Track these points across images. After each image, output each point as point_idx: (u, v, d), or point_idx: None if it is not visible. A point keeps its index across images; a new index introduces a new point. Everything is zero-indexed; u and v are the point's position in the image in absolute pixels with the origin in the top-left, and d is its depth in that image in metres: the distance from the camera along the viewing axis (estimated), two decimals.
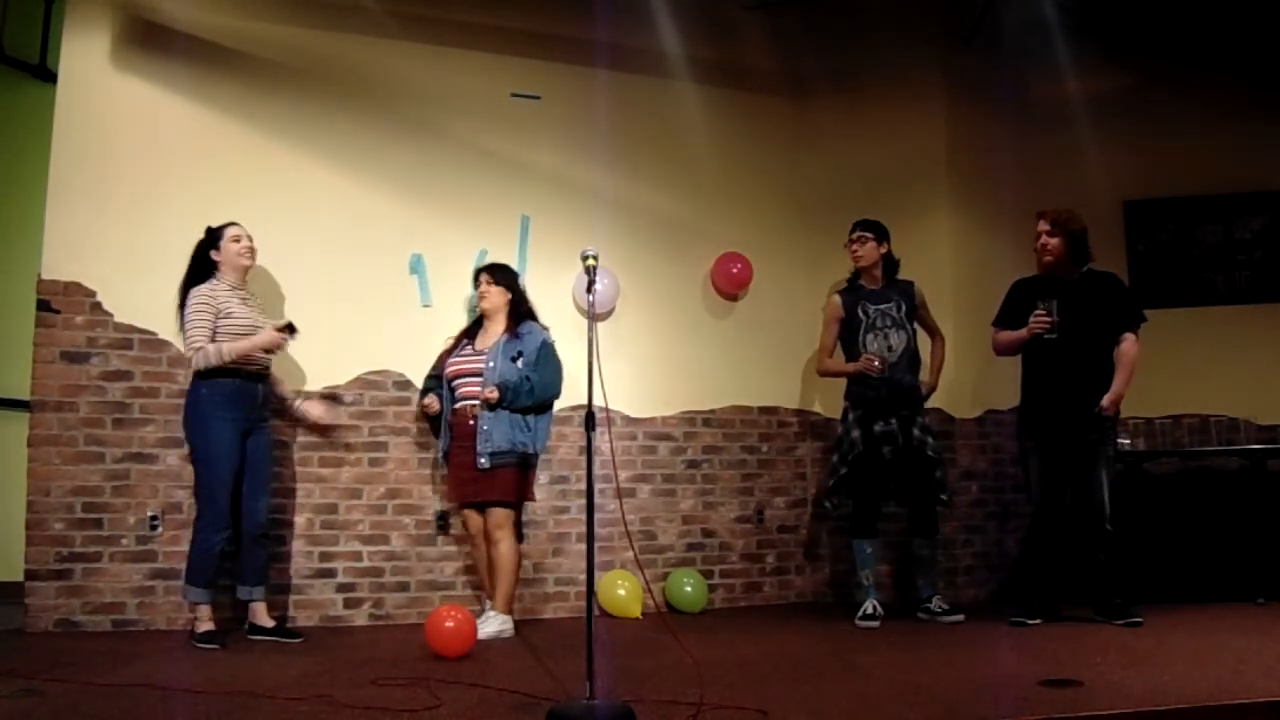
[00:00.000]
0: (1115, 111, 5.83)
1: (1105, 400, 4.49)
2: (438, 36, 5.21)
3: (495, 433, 4.44)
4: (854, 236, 4.95)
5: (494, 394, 4.44)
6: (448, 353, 4.74)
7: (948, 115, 5.76)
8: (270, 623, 4.36)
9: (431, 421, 4.80)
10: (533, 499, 4.73)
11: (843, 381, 5.02)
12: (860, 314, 4.88)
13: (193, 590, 4.18)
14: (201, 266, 4.36)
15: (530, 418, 4.52)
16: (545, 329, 4.71)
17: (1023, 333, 4.63)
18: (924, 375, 4.99)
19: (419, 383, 4.99)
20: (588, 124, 5.39)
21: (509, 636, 4.40)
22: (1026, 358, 4.74)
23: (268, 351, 4.31)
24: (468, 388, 4.56)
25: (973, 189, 5.73)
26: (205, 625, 4.18)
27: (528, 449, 4.51)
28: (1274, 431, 5.61)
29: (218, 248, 4.36)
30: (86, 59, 4.66)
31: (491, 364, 4.52)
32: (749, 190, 5.76)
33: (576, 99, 5.41)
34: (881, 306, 4.88)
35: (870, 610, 4.74)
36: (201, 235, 4.61)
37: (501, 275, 4.72)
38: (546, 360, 4.55)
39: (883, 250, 4.93)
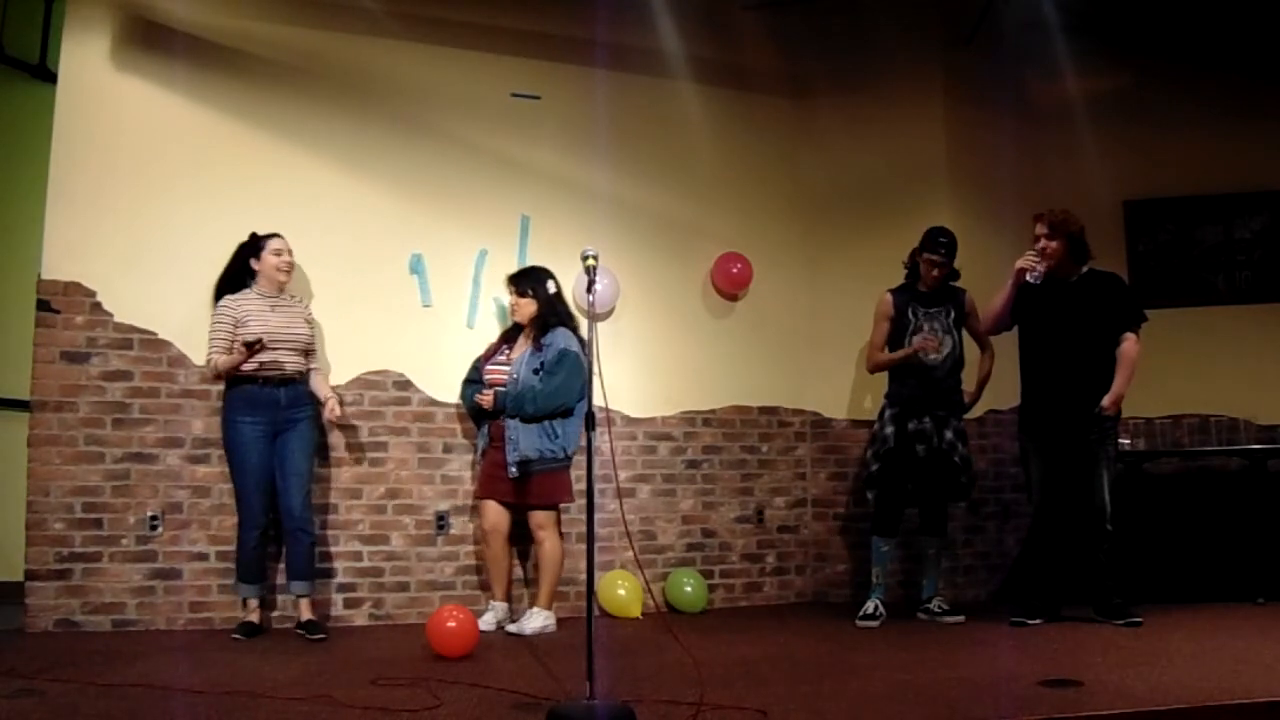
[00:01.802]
0: (1115, 111, 5.83)
1: (1106, 400, 4.48)
2: (438, 36, 5.21)
3: (522, 441, 4.49)
4: (937, 258, 4.79)
5: (487, 398, 4.54)
6: (486, 356, 4.77)
7: (948, 115, 5.75)
8: (306, 617, 4.44)
9: (477, 422, 4.80)
10: (570, 499, 4.67)
11: (847, 382, 5.02)
12: (910, 315, 4.86)
13: (238, 585, 4.42)
14: (238, 270, 4.48)
15: (557, 423, 4.53)
16: (573, 333, 4.65)
17: (1008, 287, 4.61)
18: (969, 386, 4.99)
19: (419, 383, 5.00)
20: (588, 124, 5.39)
21: (553, 631, 4.48)
22: (1026, 357, 4.74)
23: (252, 355, 4.32)
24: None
25: (973, 189, 5.73)
26: (247, 616, 4.39)
27: (556, 455, 4.53)
28: (1274, 431, 5.60)
29: (259, 256, 4.45)
30: (86, 59, 4.65)
31: (515, 375, 4.58)
32: (749, 190, 5.76)
33: (576, 99, 5.41)
34: (932, 310, 4.86)
35: (871, 610, 4.74)
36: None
37: (526, 283, 4.69)
38: (556, 369, 4.51)
39: (951, 265, 4.89)
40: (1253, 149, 5.85)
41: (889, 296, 4.95)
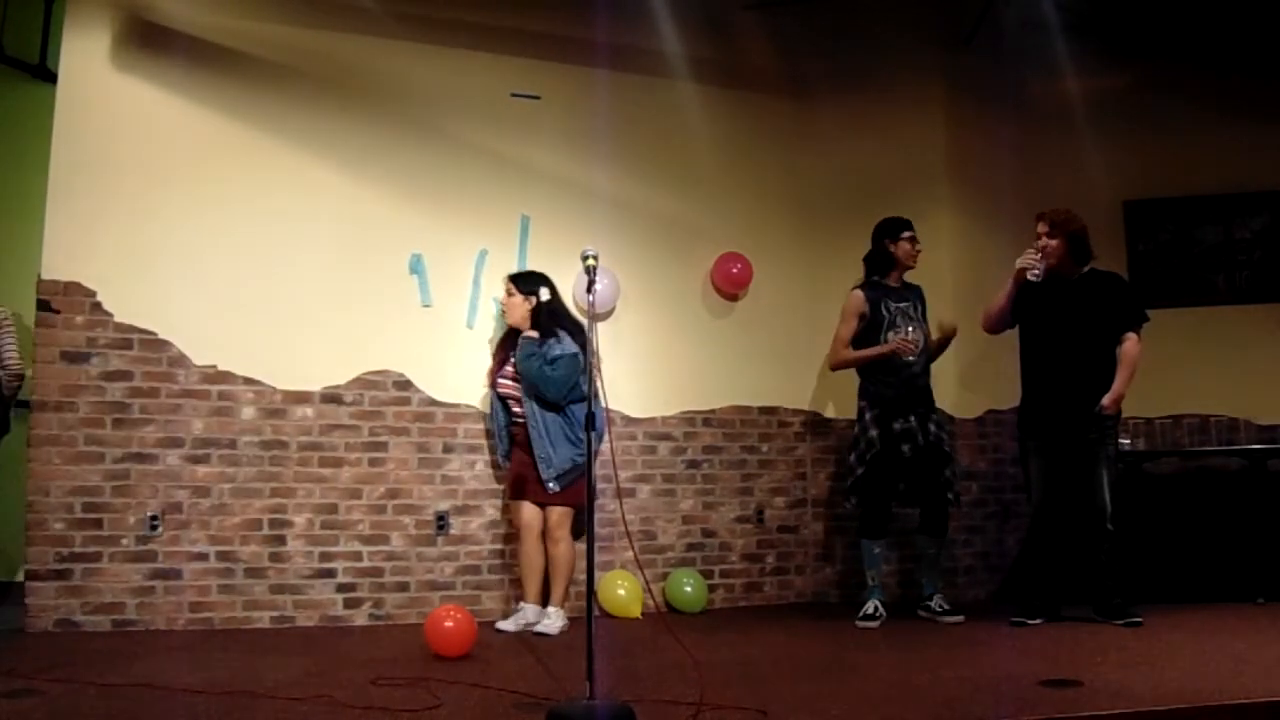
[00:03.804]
0: (1115, 111, 5.83)
1: (1106, 400, 4.48)
2: (438, 36, 5.21)
3: (556, 456, 4.52)
4: (915, 234, 4.91)
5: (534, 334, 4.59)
6: (494, 369, 4.81)
7: (948, 115, 5.75)
8: None
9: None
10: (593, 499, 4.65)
11: (847, 382, 5.01)
12: (883, 310, 4.85)
13: None
14: None
15: (577, 429, 4.53)
16: (574, 337, 4.61)
17: (1009, 286, 4.64)
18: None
19: (419, 383, 5.01)
20: (588, 124, 5.39)
21: (565, 628, 4.49)
22: (1027, 356, 4.74)
23: None
24: (517, 405, 4.67)
25: (973, 189, 5.73)
26: None
27: (585, 457, 4.50)
28: (1274, 431, 5.60)
29: None
30: (86, 59, 4.65)
31: (517, 368, 4.61)
32: (749, 190, 5.76)
33: (576, 99, 5.41)
34: (902, 305, 4.87)
35: (871, 610, 4.74)
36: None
37: (524, 285, 4.70)
38: (556, 367, 4.53)
39: None
40: (1253, 149, 5.84)
41: (860, 293, 4.91)
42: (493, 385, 4.81)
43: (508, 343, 4.80)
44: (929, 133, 5.75)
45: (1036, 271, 4.53)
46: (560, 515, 4.56)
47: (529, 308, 4.66)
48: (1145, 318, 4.64)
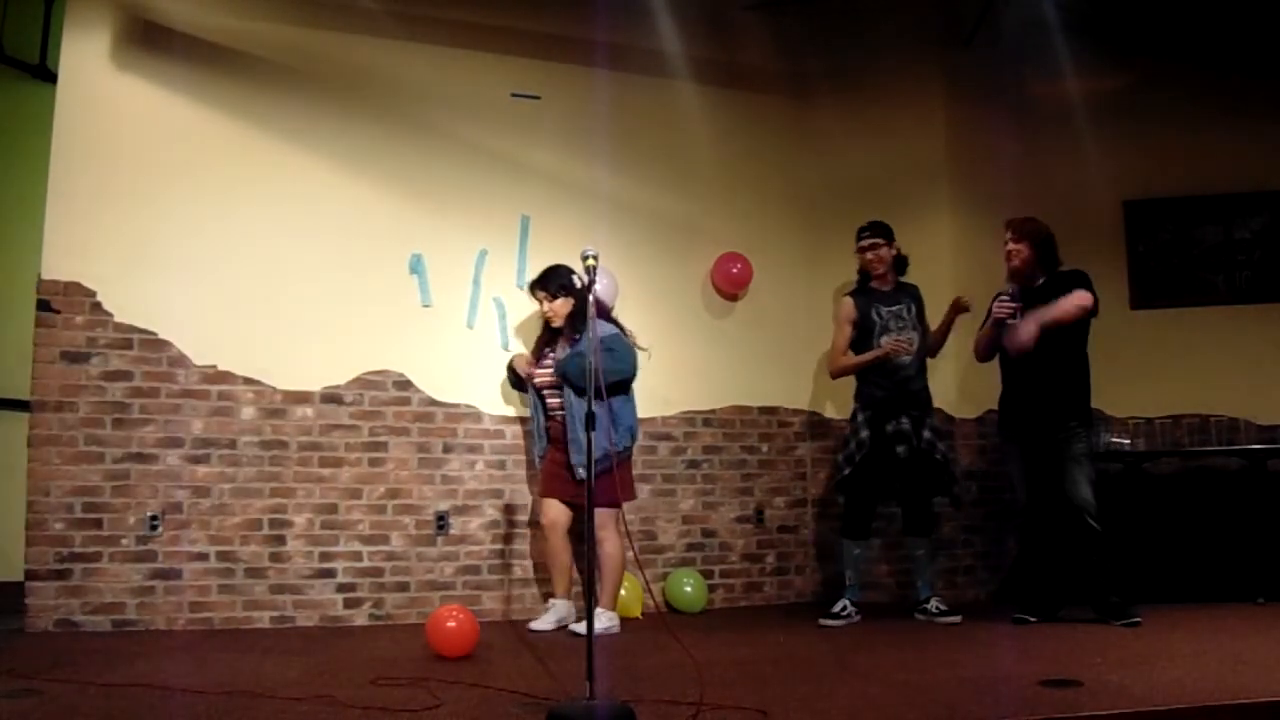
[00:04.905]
0: (1115, 111, 5.83)
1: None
2: (438, 36, 5.21)
3: (583, 441, 4.44)
4: (865, 243, 4.91)
5: (535, 370, 4.62)
6: (533, 361, 4.77)
7: (948, 115, 5.75)
8: None
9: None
10: (633, 496, 4.67)
11: (848, 382, 5.02)
12: (874, 316, 4.87)
13: None
14: None
15: (611, 416, 4.45)
16: (611, 322, 4.63)
17: (989, 327, 4.68)
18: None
19: (419, 383, 5.01)
20: (588, 124, 5.39)
21: (616, 632, 4.43)
22: (1001, 362, 4.77)
23: None
24: (554, 398, 4.64)
25: (973, 189, 5.73)
26: None
27: (616, 446, 4.47)
28: (1274, 431, 5.60)
29: None
30: (86, 59, 4.65)
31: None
32: (749, 190, 5.76)
33: (576, 99, 5.41)
34: (894, 309, 4.88)
35: (839, 609, 4.75)
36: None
37: (553, 284, 4.66)
38: (608, 349, 4.44)
39: (894, 252, 4.93)
40: (1253, 149, 5.84)
41: (850, 300, 4.95)
42: (530, 381, 4.76)
43: (544, 339, 4.79)
44: (929, 133, 5.75)
45: (1015, 321, 4.58)
46: (602, 517, 4.40)
47: (572, 302, 4.63)
48: (1088, 290, 4.53)
